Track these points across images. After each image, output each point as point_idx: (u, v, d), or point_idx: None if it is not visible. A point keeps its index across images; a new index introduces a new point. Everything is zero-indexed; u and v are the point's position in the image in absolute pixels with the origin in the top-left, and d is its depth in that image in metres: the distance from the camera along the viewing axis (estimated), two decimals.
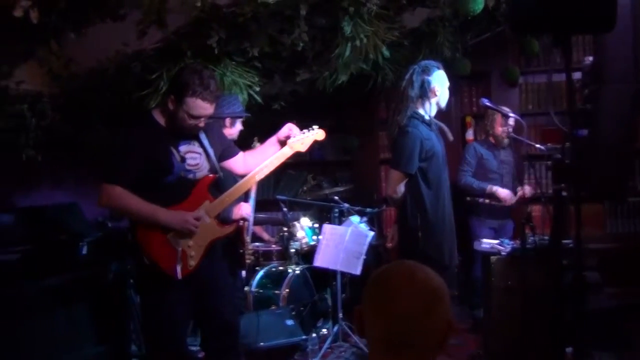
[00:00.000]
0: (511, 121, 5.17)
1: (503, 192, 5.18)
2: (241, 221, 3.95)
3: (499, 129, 5.27)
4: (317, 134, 3.55)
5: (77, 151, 4.56)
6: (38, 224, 4.37)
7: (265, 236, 5.82)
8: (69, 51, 3.59)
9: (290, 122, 3.54)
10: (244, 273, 4.89)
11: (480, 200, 5.30)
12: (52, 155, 4.36)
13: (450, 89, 3.95)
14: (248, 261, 4.55)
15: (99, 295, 4.46)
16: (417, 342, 1.45)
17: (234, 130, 4.18)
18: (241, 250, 4.42)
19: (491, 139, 5.38)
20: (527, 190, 5.28)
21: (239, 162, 3.52)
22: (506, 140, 5.28)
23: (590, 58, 3.36)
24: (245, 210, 3.92)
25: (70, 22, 3.07)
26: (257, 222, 5.04)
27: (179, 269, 3.11)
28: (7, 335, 3.79)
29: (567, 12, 2.32)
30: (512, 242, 4.27)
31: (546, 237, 4.03)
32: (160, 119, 3.19)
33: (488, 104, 4.80)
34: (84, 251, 4.39)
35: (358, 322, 1.55)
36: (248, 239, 4.51)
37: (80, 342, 4.36)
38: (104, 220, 4.79)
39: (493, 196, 5.20)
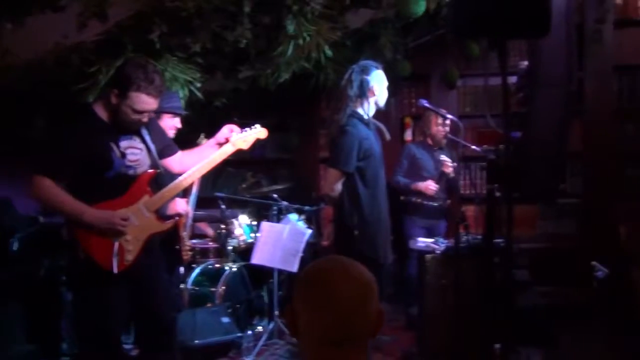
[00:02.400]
0: (447, 122, 5.27)
1: (422, 184, 5.22)
2: (177, 217, 3.91)
3: (435, 129, 5.35)
4: (259, 132, 3.54)
5: (11, 145, 4.44)
6: None
7: (210, 232, 5.77)
8: (6, 42, 3.51)
9: (231, 119, 3.54)
10: (182, 270, 4.86)
11: (413, 199, 5.35)
12: None
13: (389, 89, 3.99)
14: (186, 257, 4.52)
15: (30, 292, 4.37)
16: (356, 335, 1.49)
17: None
18: (177, 247, 4.39)
19: (428, 140, 5.47)
20: (443, 157, 5.22)
21: (175, 161, 3.48)
22: (444, 141, 5.38)
23: (526, 62, 3.44)
24: (181, 206, 3.89)
25: (7, 11, 3.00)
26: (196, 219, 5.00)
27: (115, 262, 3.06)
28: None
29: (504, 17, 2.40)
30: (446, 241, 4.33)
31: (479, 236, 4.06)
32: (103, 113, 3.12)
33: (426, 104, 4.88)
34: (15, 247, 4.30)
35: (290, 321, 1.55)
36: (185, 235, 4.48)
37: (9, 341, 4.27)
38: (37, 216, 4.69)
39: (422, 194, 5.25)
